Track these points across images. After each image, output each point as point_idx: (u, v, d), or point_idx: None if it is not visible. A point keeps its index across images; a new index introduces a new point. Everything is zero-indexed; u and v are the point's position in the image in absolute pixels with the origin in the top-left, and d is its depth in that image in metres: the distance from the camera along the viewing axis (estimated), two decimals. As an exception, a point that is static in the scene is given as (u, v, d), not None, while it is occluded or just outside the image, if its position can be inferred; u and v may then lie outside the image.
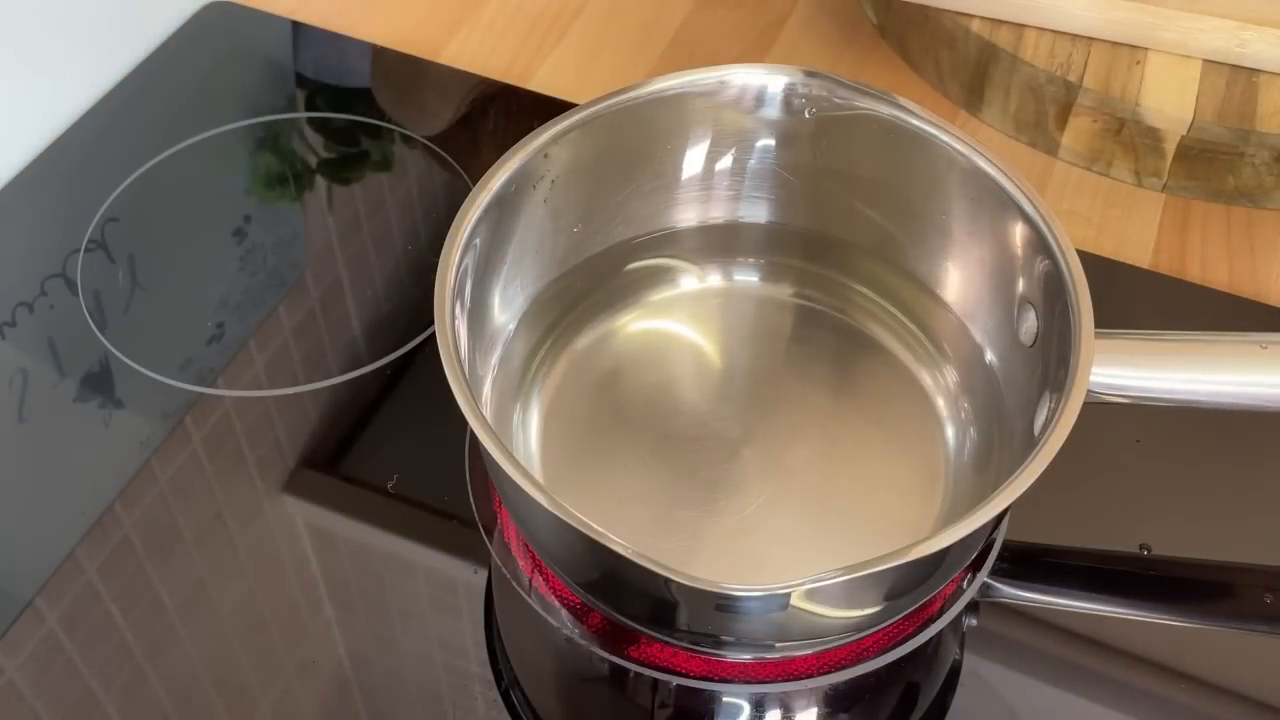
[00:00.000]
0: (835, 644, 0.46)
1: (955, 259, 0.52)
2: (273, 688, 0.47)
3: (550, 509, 0.40)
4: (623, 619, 0.46)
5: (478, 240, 0.47)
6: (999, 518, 0.42)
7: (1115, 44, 0.63)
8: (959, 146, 0.49)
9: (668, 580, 0.38)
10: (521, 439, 0.50)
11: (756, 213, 0.56)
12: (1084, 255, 0.46)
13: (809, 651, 0.46)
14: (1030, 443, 0.43)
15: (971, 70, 0.65)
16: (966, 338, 0.52)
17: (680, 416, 0.51)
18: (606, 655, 0.47)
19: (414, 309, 0.58)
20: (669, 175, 0.54)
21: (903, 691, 0.48)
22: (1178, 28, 0.62)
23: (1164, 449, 0.53)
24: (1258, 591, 0.50)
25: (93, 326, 0.57)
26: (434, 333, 0.44)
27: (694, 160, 0.54)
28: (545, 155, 0.50)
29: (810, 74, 0.51)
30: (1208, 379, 0.46)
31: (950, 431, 0.51)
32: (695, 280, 0.55)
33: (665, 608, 0.42)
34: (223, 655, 0.47)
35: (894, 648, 0.47)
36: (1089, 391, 0.43)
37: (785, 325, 0.55)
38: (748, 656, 0.46)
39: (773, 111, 0.52)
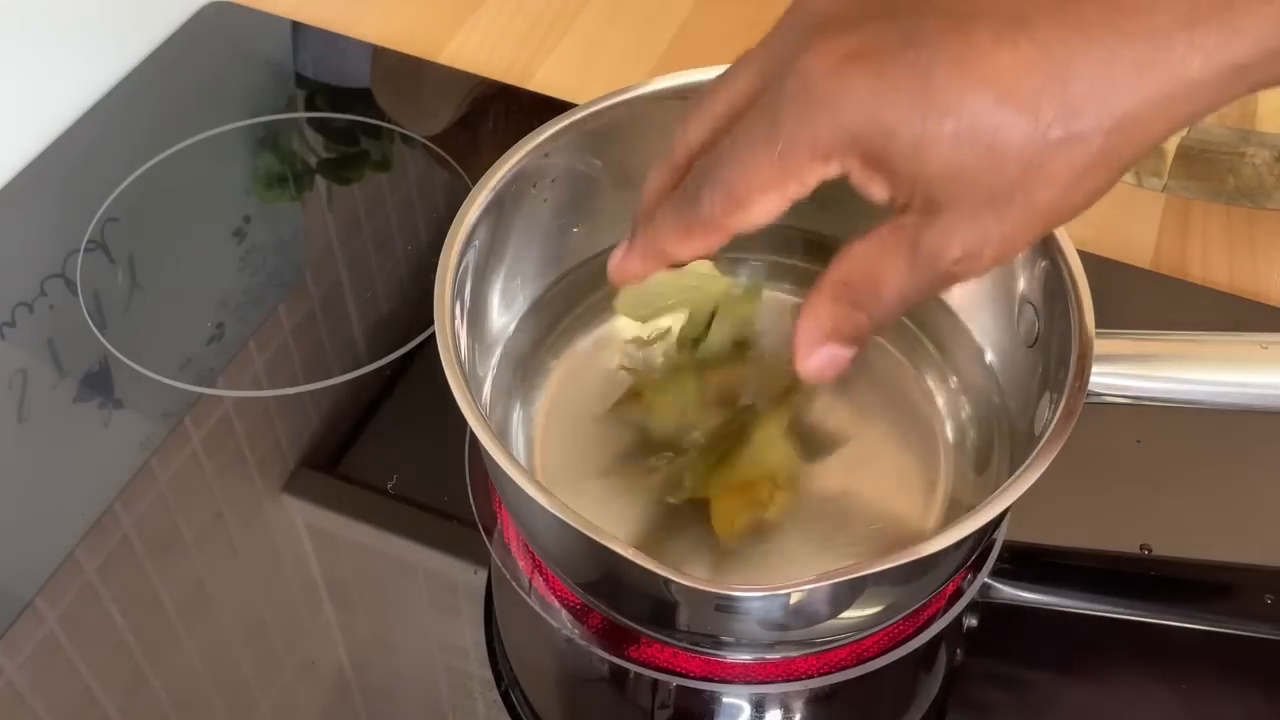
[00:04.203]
0: (835, 644, 0.46)
1: (955, 259, 0.52)
2: (273, 688, 0.47)
3: (550, 509, 0.40)
4: (623, 619, 0.46)
5: (478, 240, 0.47)
6: (999, 518, 0.42)
7: (1115, 44, 0.63)
8: (959, 146, 0.49)
9: (668, 581, 0.38)
10: (522, 439, 0.50)
11: (756, 213, 0.56)
12: (1084, 255, 0.46)
13: (809, 652, 0.46)
14: (1030, 443, 0.43)
15: (971, 70, 0.65)
16: (966, 338, 0.52)
17: (680, 416, 0.51)
18: (606, 655, 0.47)
19: (414, 309, 0.58)
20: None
21: (903, 692, 0.48)
22: (1178, 28, 0.62)
23: (1164, 449, 0.53)
24: (1258, 592, 0.50)
25: (93, 326, 0.57)
26: (434, 333, 0.44)
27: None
28: (545, 155, 0.50)
29: (810, 74, 0.51)
30: (1208, 379, 0.46)
31: (950, 431, 0.51)
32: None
33: (665, 608, 0.42)
34: (223, 655, 0.47)
35: (894, 648, 0.47)
36: (1089, 391, 0.43)
37: (785, 325, 0.54)
38: (748, 657, 0.46)
39: (773, 111, 0.52)
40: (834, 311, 0.37)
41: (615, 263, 0.41)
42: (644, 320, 0.47)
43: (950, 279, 0.35)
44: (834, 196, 0.54)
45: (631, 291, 0.48)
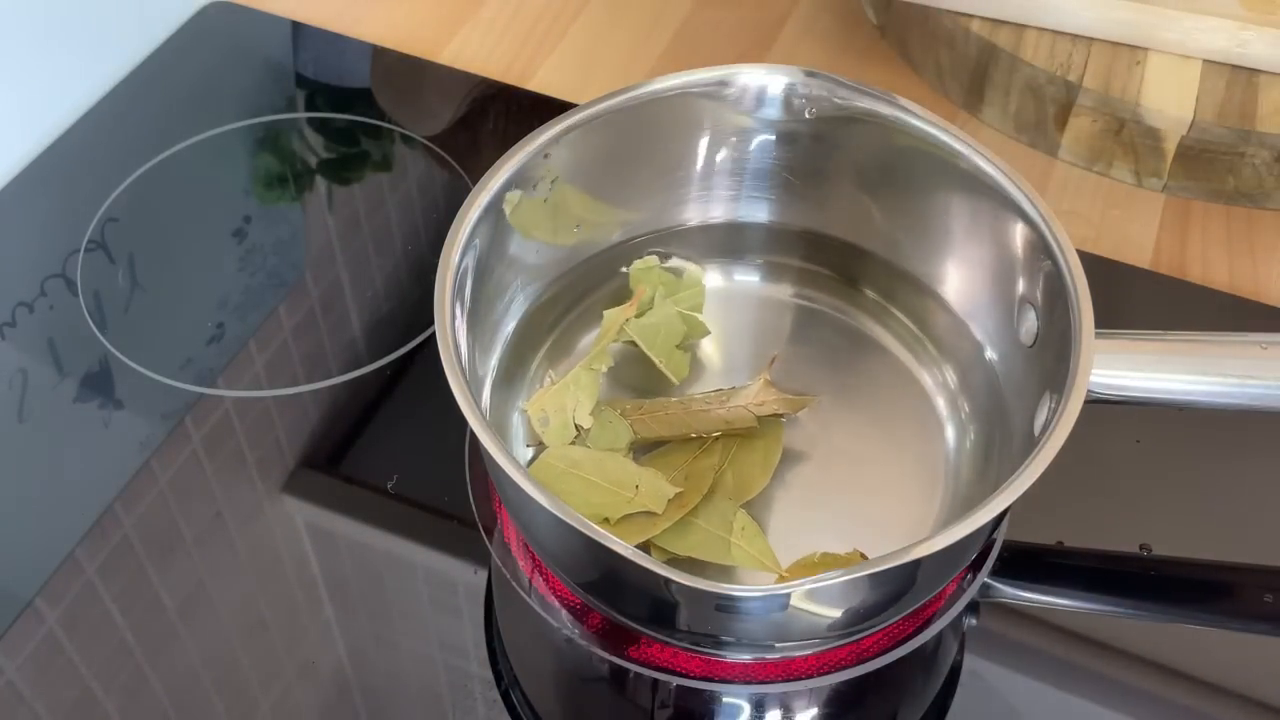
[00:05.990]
0: (835, 644, 0.46)
1: (955, 259, 0.52)
2: (273, 688, 0.47)
3: (550, 509, 0.40)
4: (623, 619, 0.46)
5: (478, 240, 0.47)
6: (999, 518, 0.42)
7: (1115, 44, 0.63)
8: (959, 146, 0.49)
9: (668, 580, 0.38)
10: (522, 439, 0.50)
11: (756, 212, 0.56)
12: (1084, 255, 0.46)
13: (809, 651, 0.46)
14: (1030, 443, 0.43)
15: (971, 70, 0.65)
16: (966, 338, 0.52)
17: (680, 416, 0.51)
18: (606, 655, 0.47)
19: (414, 309, 0.58)
20: (669, 175, 0.54)
21: (903, 691, 0.48)
22: (1178, 28, 0.62)
23: (1164, 449, 0.53)
24: (1258, 591, 0.50)
25: (93, 326, 0.57)
26: (434, 333, 0.44)
27: (694, 160, 0.54)
28: (545, 155, 0.50)
29: (810, 74, 0.51)
30: (1208, 379, 0.46)
31: (950, 431, 0.51)
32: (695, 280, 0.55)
33: (665, 608, 0.42)
34: (223, 655, 0.47)
35: (894, 648, 0.47)
36: (1089, 391, 0.43)
37: (785, 325, 0.55)
38: (748, 657, 0.46)
39: (773, 111, 0.52)
40: None
41: None
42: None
43: None
44: (834, 196, 0.55)
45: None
